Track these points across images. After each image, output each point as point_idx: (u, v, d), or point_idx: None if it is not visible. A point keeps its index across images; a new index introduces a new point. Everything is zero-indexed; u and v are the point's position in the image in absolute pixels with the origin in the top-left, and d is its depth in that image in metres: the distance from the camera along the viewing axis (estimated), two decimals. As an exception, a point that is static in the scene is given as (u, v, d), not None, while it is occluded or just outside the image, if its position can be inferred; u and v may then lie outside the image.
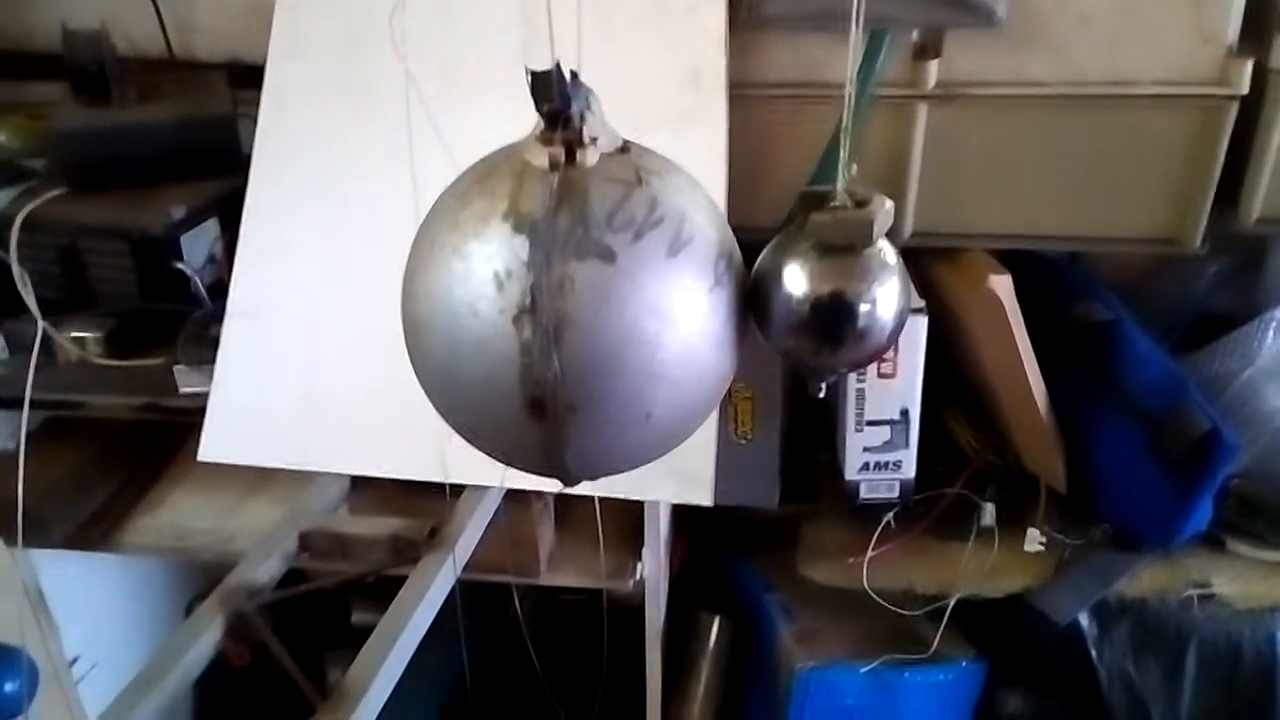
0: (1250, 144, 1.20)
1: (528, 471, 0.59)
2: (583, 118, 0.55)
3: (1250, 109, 1.18)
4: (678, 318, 0.55)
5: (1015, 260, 1.25)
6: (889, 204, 0.58)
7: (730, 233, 0.60)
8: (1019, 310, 1.21)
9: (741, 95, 1.22)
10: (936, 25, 1.18)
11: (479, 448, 0.61)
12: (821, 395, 0.62)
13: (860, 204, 0.58)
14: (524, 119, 0.58)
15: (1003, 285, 1.20)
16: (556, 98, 0.54)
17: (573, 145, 0.55)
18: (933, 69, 1.20)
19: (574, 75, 0.55)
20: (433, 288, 0.56)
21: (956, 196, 1.26)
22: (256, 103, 1.27)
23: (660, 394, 0.56)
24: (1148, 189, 1.24)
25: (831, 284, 0.58)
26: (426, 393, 0.60)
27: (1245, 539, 1.30)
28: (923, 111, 1.23)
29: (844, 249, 0.58)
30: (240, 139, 1.33)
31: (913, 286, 0.61)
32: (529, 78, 0.54)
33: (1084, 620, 1.30)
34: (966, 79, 1.21)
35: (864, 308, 0.57)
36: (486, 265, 0.54)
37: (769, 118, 1.25)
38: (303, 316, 1.26)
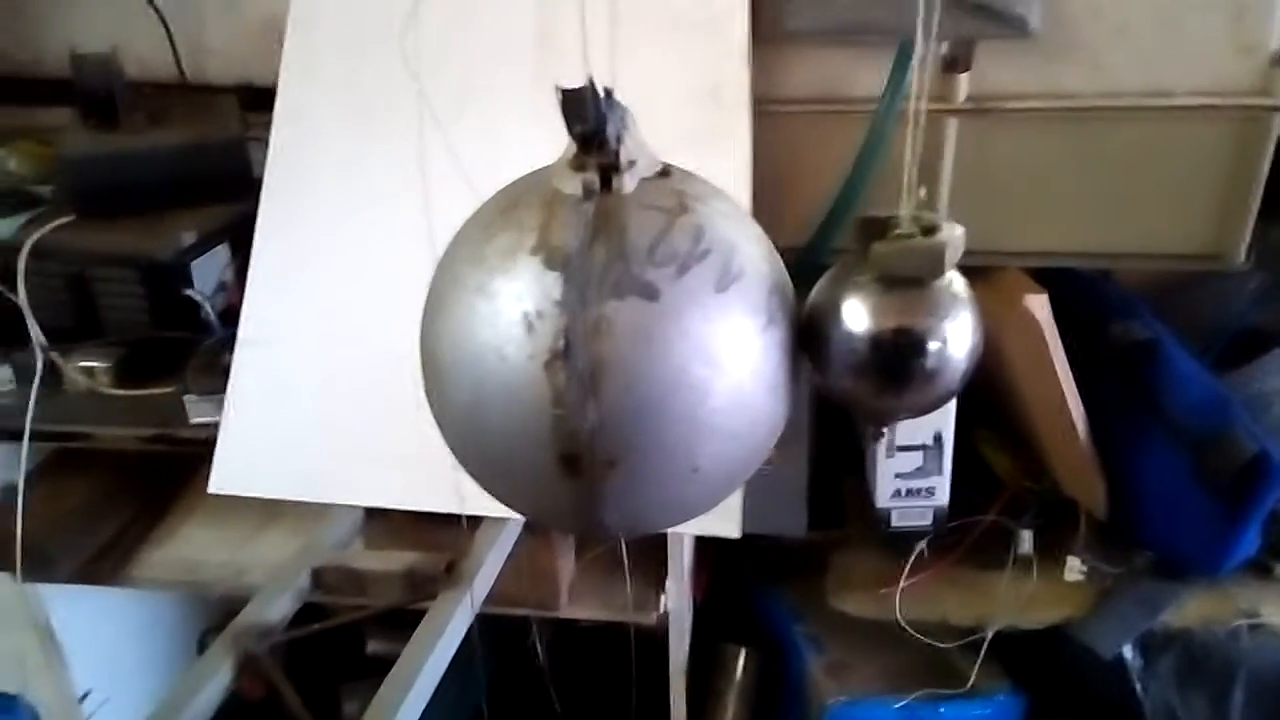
0: (1295, 155, 1.14)
1: (559, 530, 0.53)
2: (619, 139, 0.48)
3: (1297, 120, 1.12)
4: (728, 361, 0.49)
5: (1049, 278, 1.20)
6: (959, 230, 0.51)
7: (782, 264, 0.53)
8: (1056, 330, 1.15)
9: (764, 111, 1.16)
10: (967, 36, 1.13)
11: (504, 503, 0.54)
12: (882, 441, 0.56)
13: (927, 230, 0.51)
14: (541, 139, 0.52)
15: (1040, 304, 1.14)
16: (590, 118, 0.47)
17: (608, 170, 0.49)
18: (964, 82, 1.16)
19: (608, 93, 0.48)
20: (455, 330, 0.50)
21: (989, 213, 1.20)
22: (268, 125, 1.22)
23: (708, 446, 0.49)
24: (1188, 203, 1.19)
25: (897, 320, 0.51)
26: (448, 443, 0.54)
27: (1294, 566, 1.24)
28: (953, 126, 1.18)
29: (911, 281, 0.51)
30: (251, 163, 1.28)
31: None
32: (559, 96, 0.48)
33: (1128, 652, 1.24)
34: (999, 92, 1.16)
35: (933, 345, 0.50)
36: (515, 305, 0.47)
37: (793, 135, 1.20)
38: (315, 344, 1.20)
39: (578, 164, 0.49)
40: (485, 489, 0.54)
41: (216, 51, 1.38)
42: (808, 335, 0.53)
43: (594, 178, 0.49)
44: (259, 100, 1.30)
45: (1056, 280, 1.19)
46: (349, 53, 1.22)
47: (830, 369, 0.53)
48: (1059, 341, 1.16)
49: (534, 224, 0.48)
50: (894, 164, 1.17)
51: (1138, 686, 1.25)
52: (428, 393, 0.53)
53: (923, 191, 0.52)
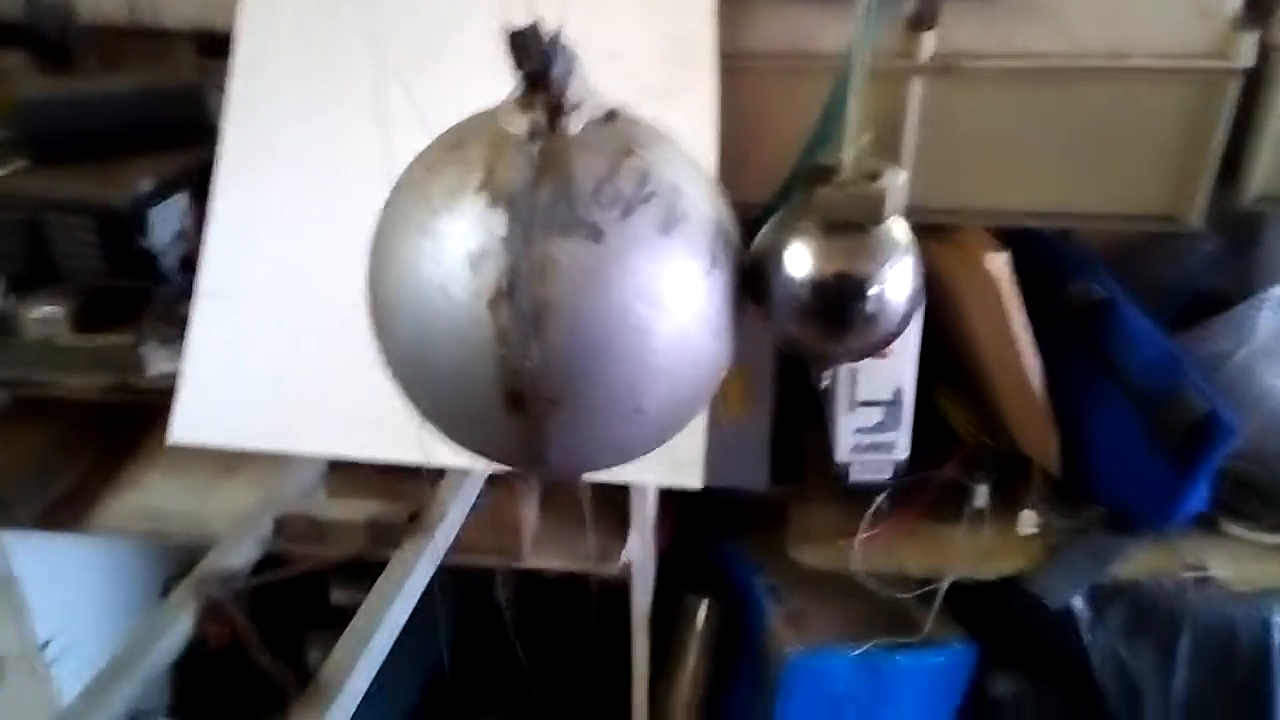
0: (1252, 120, 1.15)
1: (505, 467, 0.53)
2: (565, 81, 0.48)
3: (1254, 84, 1.13)
4: (671, 302, 0.49)
5: (1009, 237, 1.21)
6: (902, 176, 0.52)
7: (727, 209, 0.54)
8: (1015, 289, 1.17)
9: (730, 66, 1.16)
10: (932, -7, 1.13)
11: (451, 441, 0.55)
12: (825, 384, 0.56)
13: (870, 177, 0.52)
14: (503, 92, 0.52)
15: (1000, 263, 1.16)
16: (536, 58, 0.47)
17: (555, 111, 0.49)
18: (928, 40, 1.15)
19: (555, 35, 0.48)
20: (399, 269, 0.50)
21: (952, 172, 1.21)
22: (225, 73, 1.19)
23: (652, 385, 0.50)
24: (1146, 165, 1.19)
25: (839, 264, 0.52)
26: (395, 382, 0.54)
27: (1241, 521, 1.28)
28: (917, 84, 1.17)
29: (853, 227, 0.51)
30: (209, 110, 1.26)
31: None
32: (506, 37, 0.48)
33: (1077, 603, 1.27)
34: (962, 50, 1.16)
35: (874, 290, 0.51)
36: (459, 244, 0.48)
37: (758, 89, 1.19)
38: (276, 294, 1.19)
39: (524, 104, 0.49)
40: (431, 424, 0.55)
41: (173, -5, 1.35)
42: (753, 280, 0.54)
43: (540, 118, 0.49)
44: (216, 47, 1.27)
45: (1016, 240, 1.20)
46: (309, 1, 1.20)
47: (775, 313, 0.54)
48: (1018, 300, 1.17)
49: (479, 162, 0.48)
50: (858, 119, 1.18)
51: (1086, 636, 1.28)
52: (373, 331, 0.54)
53: (866, 138, 0.53)
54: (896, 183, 0.51)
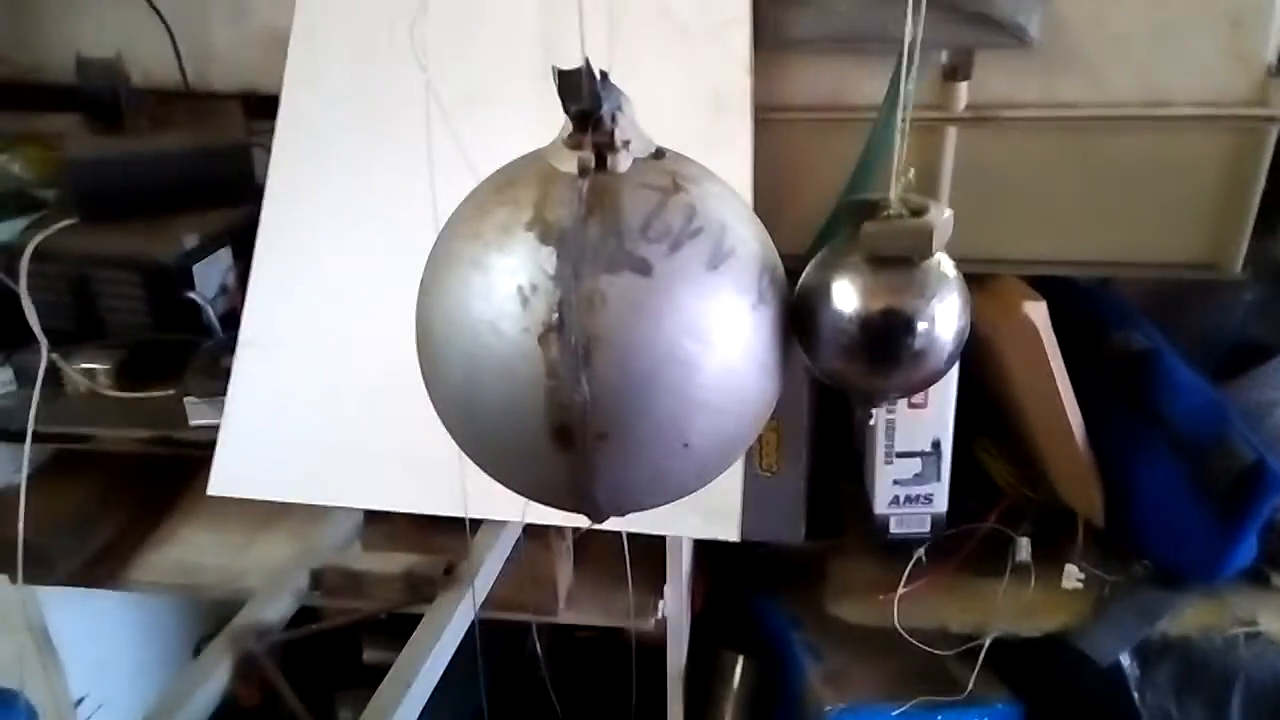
0: (1293, 166, 1.15)
1: (552, 506, 0.53)
2: (614, 119, 0.49)
3: (1294, 131, 1.13)
4: (719, 337, 0.49)
5: (1048, 286, 1.20)
6: (948, 212, 0.52)
7: (773, 246, 0.54)
8: (1054, 338, 1.16)
9: (765, 119, 1.17)
10: (966, 46, 1.14)
11: (498, 480, 0.55)
12: (871, 423, 0.56)
13: (916, 212, 0.52)
14: (552, 135, 0.53)
15: (1038, 312, 1.15)
16: (586, 97, 0.48)
17: (603, 149, 0.49)
18: (963, 90, 1.16)
19: (604, 75, 0.49)
20: (450, 304, 0.51)
21: (988, 221, 1.21)
22: (271, 132, 1.23)
23: (699, 421, 0.50)
24: (1185, 212, 1.19)
25: (886, 299, 0.51)
26: (442, 419, 0.54)
27: (1291, 575, 1.23)
28: (952, 134, 1.18)
29: (900, 261, 0.51)
30: (255, 168, 1.29)
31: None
32: (556, 77, 0.49)
33: (1125, 660, 1.23)
34: (997, 101, 1.17)
35: (922, 325, 0.51)
36: (509, 279, 0.48)
37: (794, 142, 1.20)
38: (316, 347, 1.21)
39: (574, 142, 0.50)
40: (478, 464, 0.55)
41: (221, 59, 1.39)
42: (798, 316, 0.54)
43: (589, 155, 0.49)
44: (263, 107, 1.31)
45: (1055, 289, 1.19)
46: (353, 60, 1.23)
47: (820, 349, 0.54)
48: (1057, 349, 1.16)
49: (529, 200, 0.49)
50: (892, 170, 1.19)
51: (1135, 695, 1.24)
52: (422, 368, 0.54)
53: (911, 174, 0.53)
54: (943, 217, 0.52)
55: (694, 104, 1.16)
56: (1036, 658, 1.26)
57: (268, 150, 1.23)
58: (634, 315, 0.47)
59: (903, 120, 0.55)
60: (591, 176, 0.49)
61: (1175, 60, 1.12)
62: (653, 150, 0.52)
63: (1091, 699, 1.28)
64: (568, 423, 0.48)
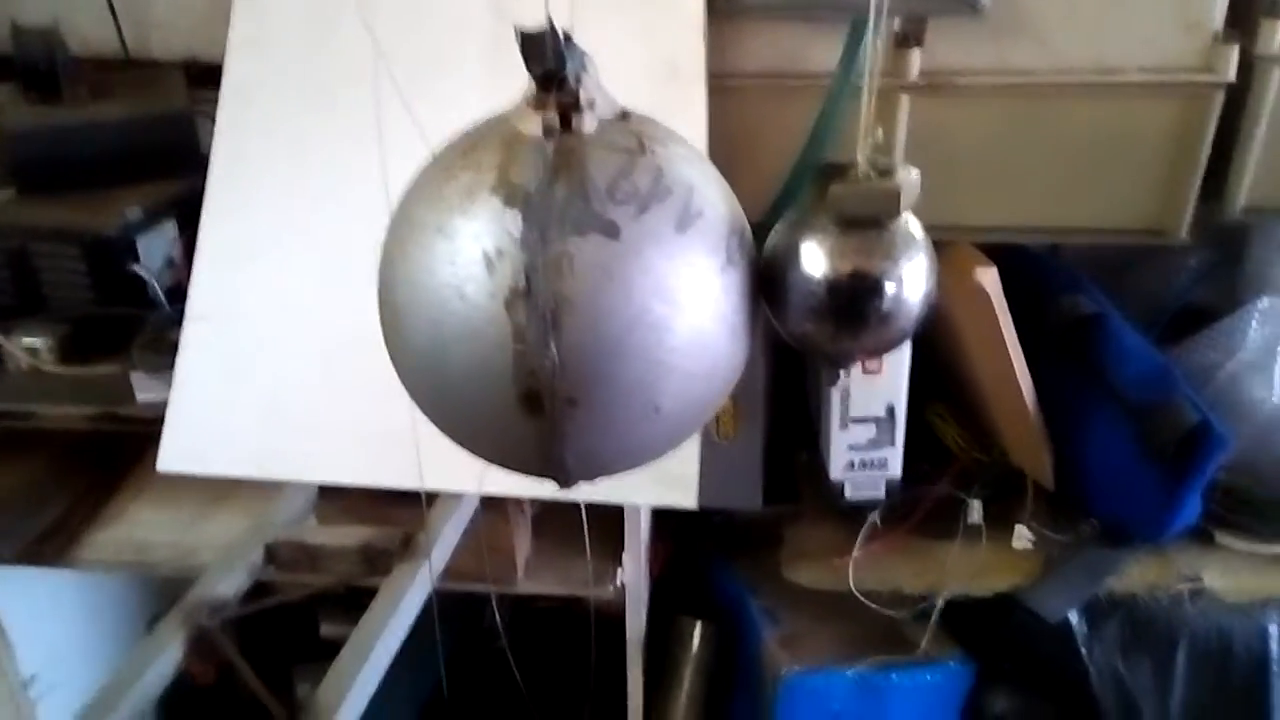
0: (1237, 132, 1.17)
1: (521, 472, 0.53)
2: (579, 80, 0.48)
3: (1237, 97, 1.15)
4: (688, 300, 0.49)
5: (998, 253, 1.21)
6: (915, 173, 0.52)
7: (740, 208, 0.54)
8: (1005, 303, 1.17)
9: (719, 86, 1.16)
10: (919, 14, 1.14)
11: (466, 447, 0.54)
12: (837, 385, 0.56)
13: (883, 174, 0.52)
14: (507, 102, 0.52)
15: (990, 278, 1.16)
16: (550, 58, 0.47)
17: (568, 110, 0.48)
18: (915, 58, 1.16)
19: (567, 36, 0.48)
20: (414, 271, 0.50)
21: (940, 188, 1.18)
22: (214, 101, 1.19)
23: (669, 384, 0.49)
24: (1133, 178, 1.20)
25: (854, 261, 0.51)
26: (407, 388, 0.53)
27: (1234, 532, 1.27)
28: (905, 102, 1.18)
29: (867, 223, 0.51)
30: (199, 138, 1.26)
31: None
32: (519, 38, 0.48)
33: (1073, 618, 1.26)
34: (950, 68, 1.17)
35: (890, 287, 0.51)
36: (474, 244, 0.47)
37: (748, 108, 1.20)
38: (266, 319, 1.18)
39: (538, 104, 0.49)
40: (445, 431, 0.54)
41: (161, 26, 1.34)
42: (766, 279, 0.54)
43: (554, 117, 0.48)
44: (205, 76, 1.28)
45: (1005, 255, 1.20)
46: (299, 27, 1.20)
47: (788, 311, 0.54)
48: (1008, 314, 1.18)
49: (494, 163, 0.48)
50: (848, 137, 1.19)
51: (1083, 651, 1.26)
52: (386, 336, 0.53)
53: (879, 133, 0.53)
54: (910, 178, 0.51)
55: (649, 71, 1.15)
56: (988, 617, 1.28)
57: (211, 119, 1.20)
58: (602, 278, 0.47)
59: (869, 80, 0.54)
60: (557, 138, 0.48)
61: (1125, 27, 1.13)
62: (618, 111, 0.51)
63: (1042, 656, 1.30)
64: (536, 388, 0.47)
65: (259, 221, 1.20)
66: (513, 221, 0.46)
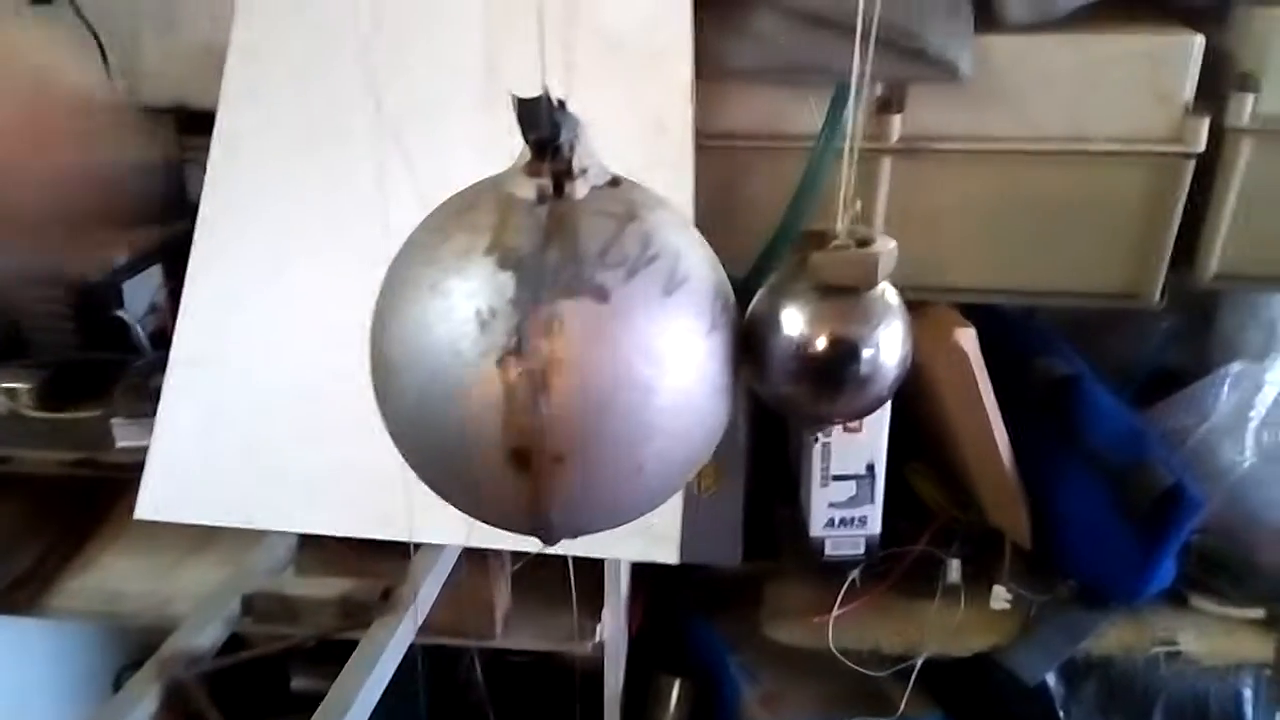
0: (1208, 201, 1.20)
1: (505, 529, 0.54)
2: (572, 147, 0.51)
3: (1208, 167, 1.18)
4: (674, 363, 0.51)
5: (977, 314, 1.24)
6: (892, 244, 0.54)
7: (724, 274, 0.56)
8: (984, 364, 1.20)
9: (706, 146, 1.19)
10: (901, 80, 1.17)
11: (453, 503, 0.55)
12: (816, 444, 0.58)
13: (862, 243, 0.55)
14: (490, 170, 0.54)
15: (969, 339, 1.19)
16: (545, 125, 0.50)
17: (561, 176, 0.51)
18: (897, 123, 1.19)
19: (562, 103, 0.51)
20: (407, 328, 0.51)
21: (920, 250, 1.22)
22: (204, 149, 1.21)
23: (653, 444, 0.51)
24: (1107, 244, 1.23)
25: (832, 327, 0.54)
26: (396, 443, 0.55)
27: (1208, 595, 1.28)
28: (887, 165, 1.21)
29: (846, 290, 0.54)
30: (187, 185, 1.27)
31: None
32: (515, 106, 0.50)
33: (1051, 679, 1.27)
34: (929, 134, 1.20)
35: (867, 352, 0.53)
36: (468, 303, 0.49)
37: (733, 168, 1.22)
38: (250, 368, 1.19)
39: (532, 170, 0.51)
40: (432, 487, 0.55)
41: (151, 74, 1.37)
42: (748, 343, 0.56)
43: (548, 183, 0.50)
44: (194, 123, 1.30)
45: (983, 317, 1.23)
46: (293, 80, 1.22)
47: (769, 375, 0.56)
48: (986, 375, 1.20)
49: (488, 226, 0.50)
50: (830, 199, 1.21)
51: (1060, 713, 1.27)
52: (376, 392, 0.54)
53: (858, 205, 0.55)
54: (888, 248, 0.54)
55: (638, 130, 1.17)
56: (967, 677, 1.29)
57: (200, 166, 1.21)
58: (591, 340, 0.48)
59: (848, 154, 0.57)
60: (550, 203, 0.50)
61: (1099, 98, 1.16)
62: (609, 178, 0.53)
63: (1020, 717, 1.31)
64: (525, 446, 0.49)
65: (246, 269, 1.21)
66: (506, 282, 0.48)
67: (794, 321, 0.55)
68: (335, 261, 1.14)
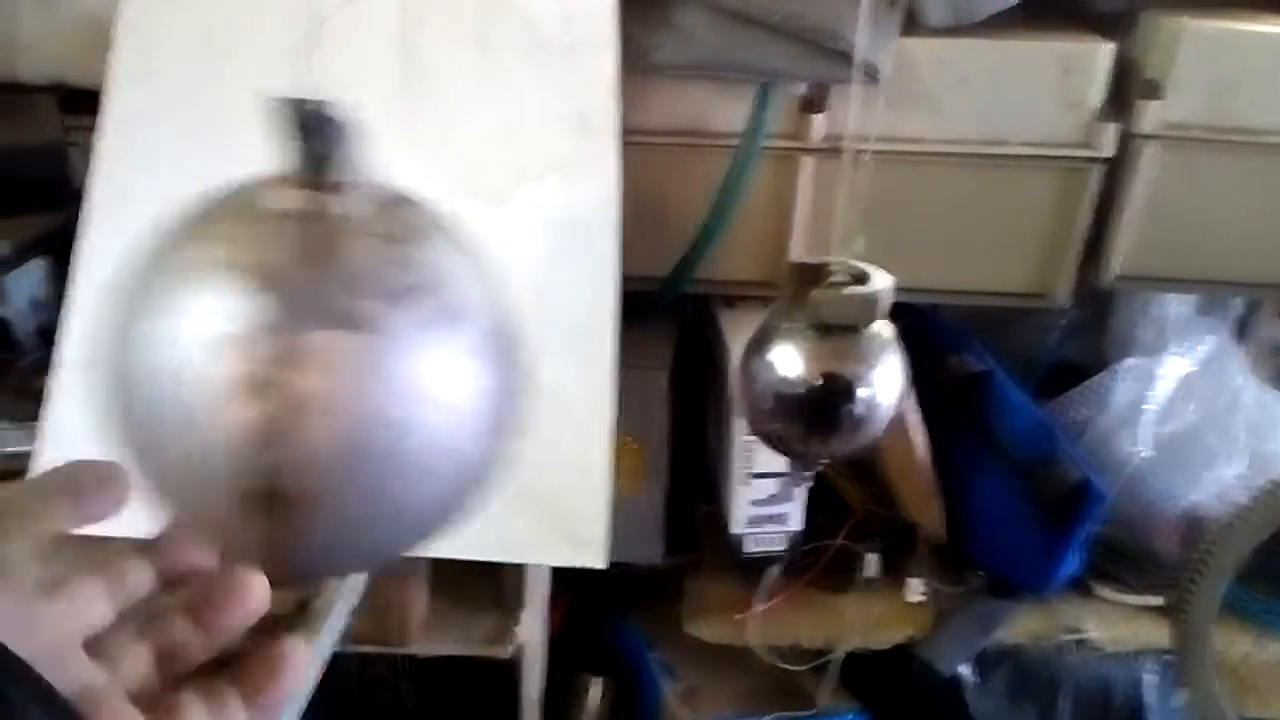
0: (1113, 205, 1.04)
1: (252, 568, 0.36)
2: (342, 158, 0.34)
3: (1116, 172, 1.02)
4: (435, 399, 0.35)
5: (892, 312, 1.02)
6: (890, 280, 0.41)
7: (506, 306, 0.38)
8: (901, 360, 0.98)
9: (629, 142, 0.96)
10: (823, 80, 0.98)
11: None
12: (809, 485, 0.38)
13: (858, 279, 0.37)
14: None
15: (887, 337, 0.97)
16: (312, 133, 0.33)
17: (326, 189, 0.33)
18: (819, 122, 0.99)
19: (331, 106, 0.34)
20: (131, 348, 0.35)
21: (838, 249, 1.02)
22: (88, 130, 0.93)
23: (409, 485, 0.35)
24: (1018, 245, 1.06)
25: (830, 366, 0.41)
26: (135, 462, 0.38)
27: (1110, 584, 1.12)
28: (808, 164, 1.01)
29: (843, 329, 0.41)
30: (72, 170, 0.98)
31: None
32: (282, 108, 0.33)
33: (964, 669, 1.09)
34: (850, 134, 0.99)
35: (864, 392, 0.40)
36: (202, 326, 0.31)
37: (657, 165, 1.01)
38: (146, 369, 0.91)
39: (296, 180, 0.34)
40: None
41: (29, 47, 1.06)
42: (741, 377, 0.43)
43: (311, 195, 0.34)
44: (77, 102, 1.00)
45: (897, 313, 1.02)
46: (187, 61, 0.95)
47: (758, 411, 0.43)
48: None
49: (235, 236, 0.33)
50: (754, 200, 1.00)
51: (971, 702, 1.10)
52: (103, 410, 0.38)
53: (860, 241, 0.35)
54: (887, 285, 0.40)
55: (561, 124, 0.94)
56: (886, 669, 1.10)
57: (85, 150, 0.92)
58: (342, 373, 0.32)
59: (851, 181, 0.39)
60: (309, 218, 0.33)
61: (1011, 103, 0.99)
62: (381, 194, 0.35)
63: (934, 707, 1.12)
64: (259, 487, 0.32)
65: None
66: (247, 305, 0.30)
67: (789, 359, 0.42)
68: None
